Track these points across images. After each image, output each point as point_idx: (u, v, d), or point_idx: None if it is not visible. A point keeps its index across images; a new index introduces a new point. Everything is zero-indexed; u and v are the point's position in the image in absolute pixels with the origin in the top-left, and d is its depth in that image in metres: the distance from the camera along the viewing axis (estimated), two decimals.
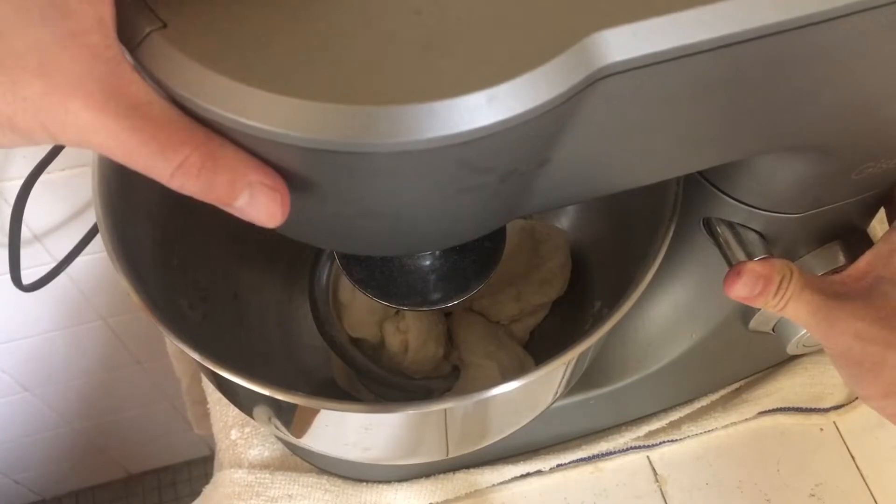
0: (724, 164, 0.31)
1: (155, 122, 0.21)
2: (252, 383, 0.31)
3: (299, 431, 0.37)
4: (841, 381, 0.55)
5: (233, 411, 0.53)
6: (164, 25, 0.22)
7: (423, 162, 0.22)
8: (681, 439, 0.53)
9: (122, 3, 0.22)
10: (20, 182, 0.57)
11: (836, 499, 0.51)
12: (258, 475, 0.50)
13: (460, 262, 0.39)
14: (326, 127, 0.20)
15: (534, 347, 0.52)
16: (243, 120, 0.21)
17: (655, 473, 0.53)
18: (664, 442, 0.53)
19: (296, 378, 0.51)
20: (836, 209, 0.37)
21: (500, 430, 0.40)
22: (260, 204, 0.22)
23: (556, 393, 0.39)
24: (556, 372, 0.36)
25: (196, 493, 0.53)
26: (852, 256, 0.40)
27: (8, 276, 0.61)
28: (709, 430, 0.54)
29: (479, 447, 0.41)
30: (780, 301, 0.34)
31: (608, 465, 0.53)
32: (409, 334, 0.48)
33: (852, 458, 0.53)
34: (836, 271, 0.40)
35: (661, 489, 0.52)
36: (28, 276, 0.62)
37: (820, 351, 0.53)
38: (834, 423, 0.55)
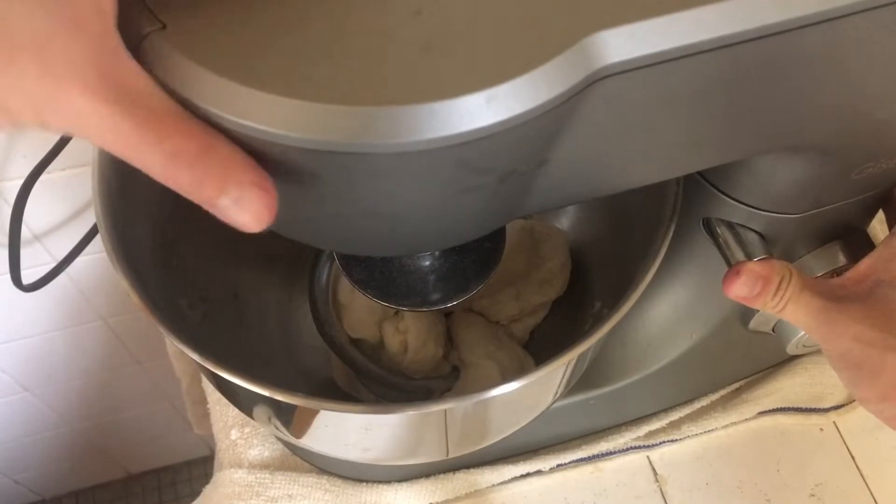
0: (724, 164, 0.31)
1: (151, 111, 0.21)
2: (252, 384, 0.31)
3: (299, 432, 0.37)
4: (841, 382, 0.55)
5: (233, 411, 0.53)
6: (164, 26, 0.22)
7: (423, 162, 0.22)
8: (681, 439, 0.53)
9: (121, 4, 0.22)
10: (20, 182, 0.57)
11: (836, 499, 0.51)
12: (258, 475, 0.50)
13: (460, 263, 0.39)
14: (326, 128, 0.20)
15: (534, 347, 0.52)
16: (243, 121, 0.21)
17: (655, 473, 0.53)
18: (664, 442, 0.53)
19: (296, 378, 0.51)
20: (836, 209, 0.37)
21: (500, 431, 0.40)
22: (248, 204, 0.22)
23: (556, 393, 0.39)
24: (556, 372, 0.36)
25: (196, 493, 0.53)
26: (852, 257, 0.40)
27: (8, 276, 0.61)
28: (709, 430, 0.54)
29: (479, 447, 0.41)
30: (780, 302, 0.34)
31: (608, 465, 0.53)
32: (408, 334, 0.48)
33: (852, 458, 0.53)
34: (835, 272, 0.40)
35: (661, 489, 0.52)
36: (28, 276, 0.62)
37: (820, 351, 0.53)
38: (834, 423, 0.55)
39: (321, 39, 0.22)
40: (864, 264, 0.35)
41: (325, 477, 0.50)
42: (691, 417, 0.54)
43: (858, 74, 0.27)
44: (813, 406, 0.55)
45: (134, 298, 0.33)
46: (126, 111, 0.20)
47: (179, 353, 0.65)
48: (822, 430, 0.54)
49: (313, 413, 0.34)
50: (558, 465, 0.52)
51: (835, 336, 0.34)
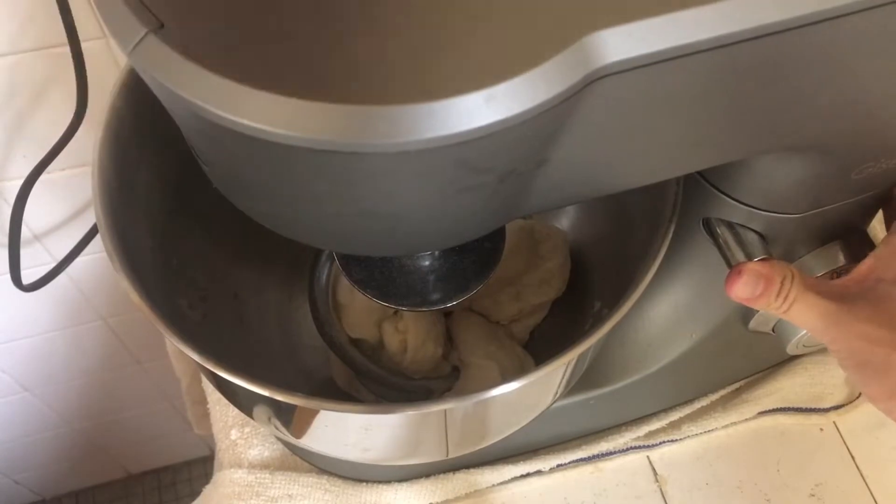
0: (724, 164, 0.31)
1: None
2: (252, 384, 0.31)
3: (299, 432, 0.37)
4: (841, 381, 0.55)
5: (233, 411, 0.53)
6: (162, 26, 0.22)
7: (422, 162, 0.22)
8: (681, 439, 0.53)
9: (120, 4, 0.22)
10: (20, 182, 0.57)
11: (836, 499, 0.51)
12: (258, 475, 0.50)
13: (459, 263, 0.39)
14: (325, 127, 0.20)
15: (534, 347, 0.52)
16: (242, 120, 0.21)
17: (655, 473, 0.53)
18: (664, 442, 0.53)
19: (296, 378, 0.51)
20: (836, 209, 0.37)
21: (500, 431, 0.40)
22: None
23: (556, 393, 0.39)
24: (556, 372, 0.36)
25: (196, 493, 0.53)
26: (852, 256, 0.40)
27: (8, 276, 0.61)
28: (709, 430, 0.54)
29: (479, 447, 0.41)
30: (784, 304, 0.34)
31: (608, 465, 0.53)
32: (407, 334, 0.48)
33: (852, 458, 0.53)
34: (835, 271, 0.40)
35: (661, 489, 0.52)
36: (28, 276, 0.62)
37: (820, 351, 0.53)
38: (834, 423, 0.55)
39: (320, 39, 0.22)
40: (866, 264, 0.35)
41: (325, 477, 0.50)
42: (691, 417, 0.54)
43: (858, 74, 0.27)
44: (813, 406, 0.55)
45: (134, 298, 0.33)
46: None
47: (179, 353, 0.65)
48: (822, 430, 0.54)
49: (313, 413, 0.34)
50: (558, 465, 0.52)
51: (842, 337, 0.34)
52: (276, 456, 0.52)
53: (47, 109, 0.58)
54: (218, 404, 0.54)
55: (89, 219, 0.68)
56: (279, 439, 0.52)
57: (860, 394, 0.55)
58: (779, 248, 0.39)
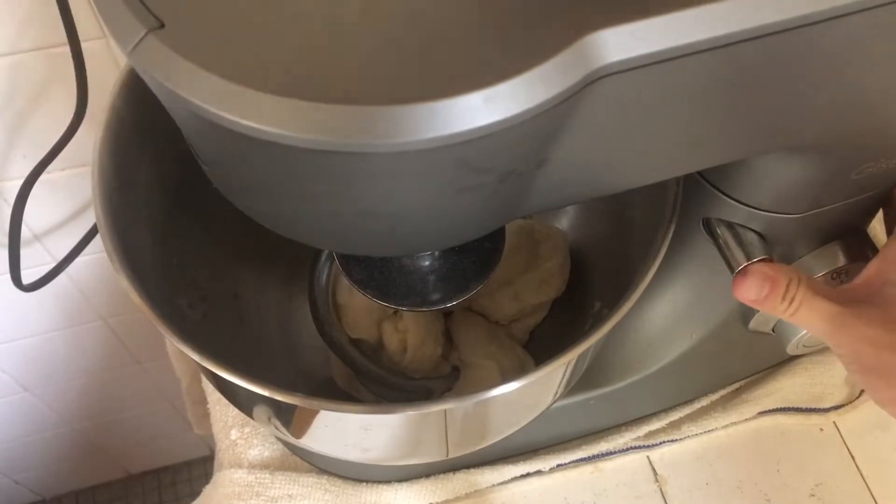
0: (724, 164, 0.31)
1: None
2: (252, 384, 0.31)
3: (299, 432, 0.37)
4: (841, 382, 0.55)
5: (233, 411, 0.53)
6: (162, 26, 0.22)
7: (422, 162, 0.22)
8: (681, 439, 0.53)
9: (120, 4, 0.22)
10: (20, 182, 0.57)
11: (836, 499, 0.51)
12: (258, 475, 0.50)
13: (459, 263, 0.39)
14: (324, 127, 0.20)
15: (534, 347, 0.52)
16: (242, 120, 0.21)
17: (655, 473, 0.53)
18: (664, 442, 0.53)
19: (296, 378, 0.51)
20: (836, 209, 0.37)
21: (500, 431, 0.40)
22: None
23: (556, 393, 0.39)
24: (556, 372, 0.36)
25: (196, 493, 0.53)
26: (852, 256, 0.40)
27: (8, 276, 0.61)
28: (709, 430, 0.54)
29: (479, 447, 0.41)
30: (791, 306, 0.34)
31: (608, 465, 0.53)
32: (407, 334, 0.48)
33: (852, 458, 0.53)
34: (835, 271, 0.40)
35: (661, 489, 0.52)
36: (28, 276, 0.62)
37: (820, 351, 0.53)
38: (834, 423, 0.55)
39: (320, 39, 0.22)
40: (873, 266, 0.35)
41: (325, 477, 0.50)
42: (691, 417, 0.54)
43: (858, 74, 0.27)
44: (813, 406, 0.55)
45: (134, 298, 0.33)
46: None
47: (179, 353, 0.65)
48: (822, 430, 0.54)
49: (313, 413, 0.34)
50: (558, 465, 0.52)
51: (849, 340, 0.33)
52: (276, 456, 0.52)
53: (47, 109, 0.58)
54: (218, 404, 0.54)
55: (89, 219, 0.68)
56: (279, 439, 0.52)
57: (860, 394, 0.55)
58: (779, 248, 0.39)
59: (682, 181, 0.37)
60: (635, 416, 0.53)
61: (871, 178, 0.35)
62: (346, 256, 0.39)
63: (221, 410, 0.53)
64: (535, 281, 0.50)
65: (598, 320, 0.36)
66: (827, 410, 0.55)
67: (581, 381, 0.42)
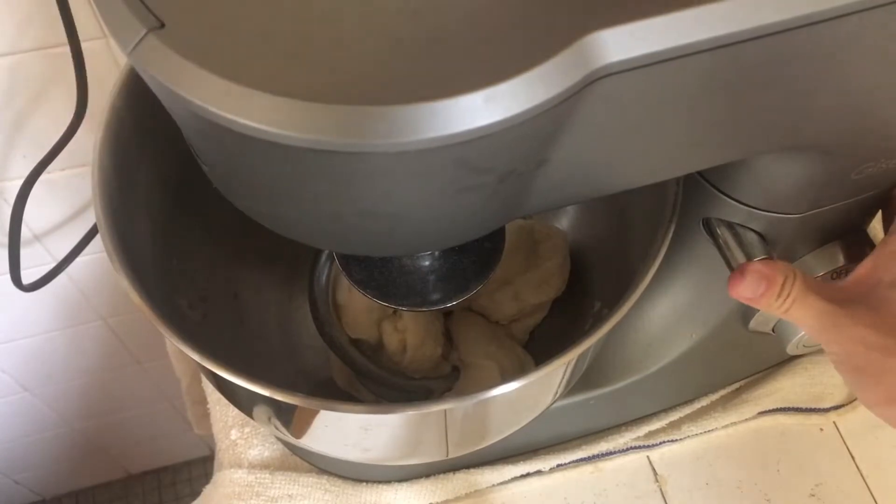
0: (724, 164, 0.31)
1: None
2: (252, 384, 0.31)
3: (299, 432, 0.37)
4: (841, 381, 0.55)
5: (233, 411, 0.53)
6: (162, 26, 0.22)
7: (422, 162, 0.22)
8: (681, 439, 0.53)
9: (120, 4, 0.22)
10: (20, 182, 0.57)
11: (836, 499, 0.51)
12: (258, 475, 0.50)
13: (459, 263, 0.39)
14: (324, 127, 0.20)
15: (534, 347, 0.52)
16: (241, 120, 0.21)
17: (655, 473, 0.53)
18: (664, 442, 0.53)
19: (296, 378, 0.51)
20: (835, 209, 0.37)
21: (500, 431, 0.40)
22: None
23: (556, 393, 0.39)
24: (556, 372, 0.36)
25: (196, 493, 0.53)
26: (852, 256, 0.40)
27: (8, 276, 0.61)
28: (709, 430, 0.54)
29: (479, 447, 0.41)
30: (784, 303, 0.34)
31: (608, 465, 0.53)
32: (406, 334, 0.48)
33: (852, 458, 0.53)
34: (835, 271, 0.40)
35: (661, 489, 0.52)
36: (28, 276, 0.62)
37: (820, 351, 0.53)
38: (834, 423, 0.55)
39: (320, 39, 0.22)
40: (865, 266, 0.35)
41: (325, 477, 0.50)
42: (691, 417, 0.54)
43: (858, 75, 0.27)
44: (813, 406, 0.55)
45: (134, 298, 0.33)
46: None
47: (179, 353, 0.65)
48: (822, 430, 0.54)
49: (313, 413, 0.34)
50: (558, 465, 0.52)
51: (839, 339, 0.33)
52: (276, 456, 0.52)
53: (47, 109, 0.58)
54: (218, 404, 0.54)
55: (89, 219, 0.68)
56: (279, 439, 0.52)
57: None
58: (779, 248, 0.39)
59: (682, 181, 0.37)
60: (635, 416, 0.53)
61: (871, 178, 0.35)
62: (346, 256, 0.39)
63: (221, 410, 0.53)
64: (535, 281, 0.50)
65: (598, 320, 0.36)
66: (827, 410, 0.55)
67: (581, 381, 0.42)
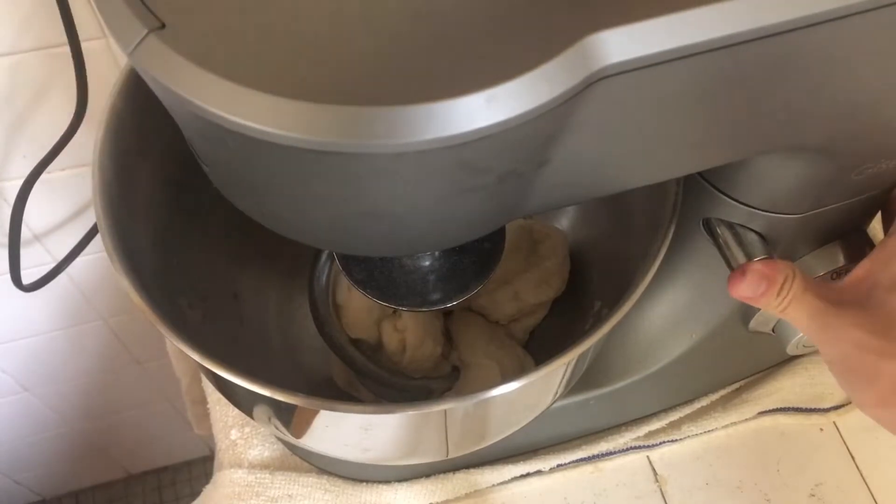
0: (724, 165, 0.31)
1: None
2: (252, 384, 0.31)
3: (299, 432, 0.37)
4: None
5: (233, 411, 0.53)
6: (163, 26, 0.22)
7: (422, 163, 0.22)
8: (681, 439, 0.53)
9: (121, 4, 0.22)
10: (20, 182, 0.57)
11: (836, 499, 0.51)
12: (258, 475, 0.50)
13: (459, 263, 0.39)
14: (325, 128, 0.20)
15: (534, 347, 0.52)
16: (242, 121, 0.21)
17: (655, 473, 0.53)
18: (664, 442, 0.53)
19: (296, 378, 0.51)
20: (836, 209, 0.37)
21: (500, 431, 0.40)
22: None
23: (556, 393, 0.39)
24: (556, 372, 0.36)
25: (196, 493, 0.53)
26: (852, 257, 0.40)
27: (8, 276, 0.61)
28: (709, 430, 0.54)
29: (479, 447, 0.41)
30: (782, 302, 0.34)
31: (608, 465, 0.53)
32: (406, 333, 0.48)
33: (852, 458, 0.53)
34: (836, 272, 0.40)
35: (661, 489, 0.52)
36: (28, 276, 0.62)
37: None
38: (834, 423, 0.55)
39: (320, 39, 0.22)
40: (862, 268, 0.35)
41: (325, 477, 0.50)
42: (691, 417, 0.54)
43: (859, 75, 0.27)
44: (813, 406, 0.55)
45: (134, 298, 0.33)
46: None
47: (179, 353, 0.65)
48: (822, 430, 0.54)
49: (313, 413, 0.34)
50: (558, 465, 0.52)
51: (833, 340, 0.33)
52: (276, 456, 0.52)
53: (47, 109, 0.58)
54: (218, 404, 0.54)
55: (89, 219, 0.68)
56: (279, 439, 0.52)
57: None
58: (779, 249, 0.39)
59: (683, 181, 0.37)
60: (635, 416, 0.53)
61: (871, 178, 0.35)
62: (346, 256, 0.39)
63: (221, 410, 0.53)
64: (535, 280, 0.50)
65: (598, 320, 0.36)
66: (827, 410, 0.55)
67: (581, 381, 0.42)
